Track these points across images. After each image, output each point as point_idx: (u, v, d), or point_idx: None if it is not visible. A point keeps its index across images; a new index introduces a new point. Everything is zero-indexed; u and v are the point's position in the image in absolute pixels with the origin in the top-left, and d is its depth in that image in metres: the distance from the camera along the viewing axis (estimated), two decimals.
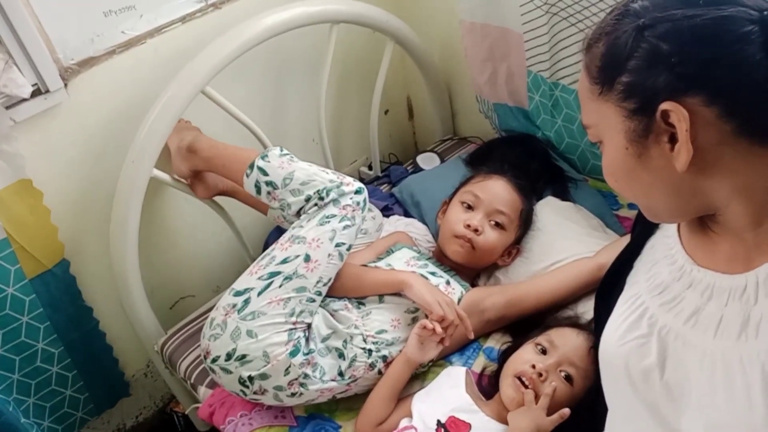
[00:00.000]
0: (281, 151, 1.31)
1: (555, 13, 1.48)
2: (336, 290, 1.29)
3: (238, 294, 1.18)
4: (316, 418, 1.22)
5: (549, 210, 1.45)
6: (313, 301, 1.20)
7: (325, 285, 1.22)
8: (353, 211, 1.25)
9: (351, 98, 1.90)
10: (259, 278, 1.19)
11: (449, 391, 1.13)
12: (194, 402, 1.51)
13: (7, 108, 1.21)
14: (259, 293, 1.17)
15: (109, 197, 1.36)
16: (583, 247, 1.33)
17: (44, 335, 1.43)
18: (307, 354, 1.16)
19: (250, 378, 1.15)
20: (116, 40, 1.34)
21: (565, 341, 1.08)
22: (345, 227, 1.23)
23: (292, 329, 1.16)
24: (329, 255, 1.21)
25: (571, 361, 1.05)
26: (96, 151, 1.39)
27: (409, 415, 1.11)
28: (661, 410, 0.72)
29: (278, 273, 1.18)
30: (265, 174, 1.27)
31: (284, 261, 1.19)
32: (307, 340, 1.18)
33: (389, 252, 1.38)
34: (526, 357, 1.08)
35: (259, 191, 1.29)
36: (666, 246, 0.78)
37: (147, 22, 1.37)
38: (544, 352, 1.08)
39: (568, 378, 1.05)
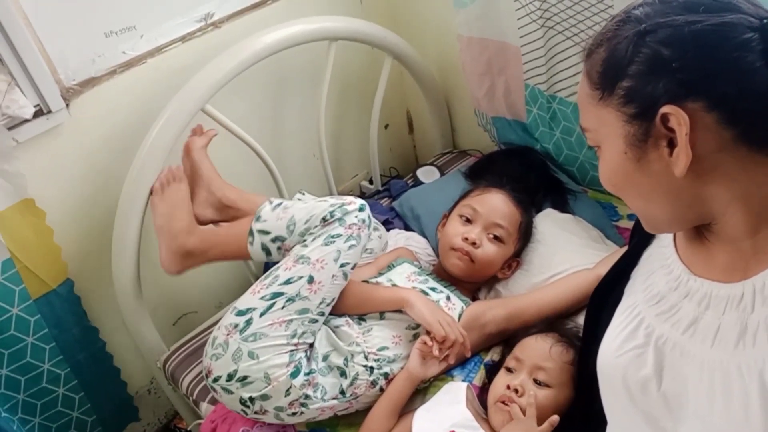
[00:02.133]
0: (271, 203, 1.29)
1: (551, 26, 1.49)
2: (337, 307, 1.29)
3: (240, 314, 1.18)
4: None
5: (548, 222, 1.45)
6: (316, 321, 1.19)
7: (328, 305, 1.21)
8: (359, 229, 1.23)
9: (351, 113, 1.91)
10: (261, 298, 1.18)
11: (450, 407, 1.12)
12: (197, 418, 1.50)
13: (10, 129, 1.22)
14: (261, 314, 1.16)
15: (111, 216, 1.38)
16: (583, 258, 1.32)
17: (50, 356, 1.44)
18: (308, 374, 1.16)
19: (251, 399, 1.15)
20: (117, 60, 1.36)
21: (527, 351, 1.11)
22: (350, 247, 1.21)
23: (293, 350, 1.16)
24: (333, 276, 1.19)
25: (539, 366, 1.08)
26: (98, 169, 1.40)
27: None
28: (659, 421, 0.72)
29: (281, 294, 1.17)
30: (267, 233, 1.25)
31: (287, 281, 1.18)
32: (309, 359, 1.18)
33: (390, 267, 1.38)
34: (499, 382, 1.11)
35: (269, 253, 1.26)
36: (662, 256, 0.78)
37: (147, 41, 1.39)
38: (513, 371, 1.11)
39: (543, 383, 1.07)
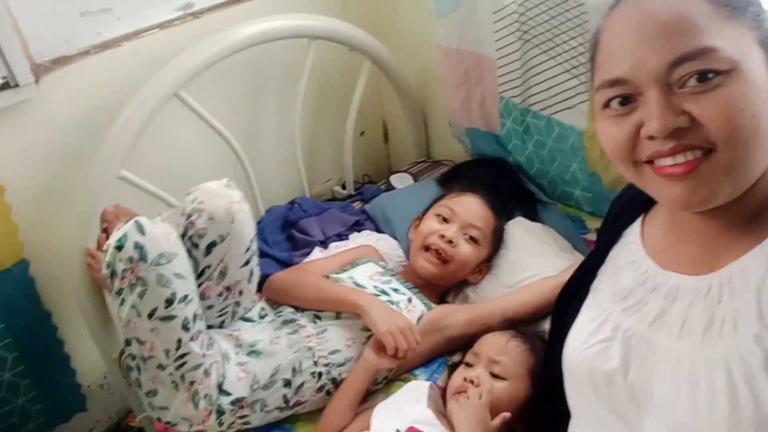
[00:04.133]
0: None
1: (528, 39, 1.52)
2: (295, 299, 1.29)
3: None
4: (276, 428, 1.20)
5: (519, 229, 1.46)
6: (183, 364, 1.10)
7: (178, 348, 1.10)
8: (132, 273, 1.06)
9: (327, 116, 1.91)
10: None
11: (411, 404, 1.11)
12: None
13: None
14: (136, 379, 1.14)
15: (73, 198, 1.34)
16: (551, 266, 1.33)
17: None
18: (236, 402, 1.14)
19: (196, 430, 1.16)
20: (92, 41, 1.34)
21: (485, 346, 1.13)
22: (141, 294, 1.06)
23: (194, 395, 1.12)
24: (151, 330, 1.08)
25: (494, 360, 1.09)
26: (64, 150, 1.37)
27: (369, 427, 1.09)
28: (624, 415, 0.72)
29: (133, 357, 1.13)
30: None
31: (131, 350, 1.13)
32: (226, 393, 1.14)
33: (354, 264, 1.37)
34: (457, 376, 1.12)
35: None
36: (629, 252, 0.79)
37: (124, 25, 1.38)
38: (471, 365, 1.12)
39: (498, 376, 1.08)
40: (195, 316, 1.12)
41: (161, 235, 1.09)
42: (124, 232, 1.06)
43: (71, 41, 1.31)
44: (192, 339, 1.11)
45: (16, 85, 1.24)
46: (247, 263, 1.21)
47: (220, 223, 1.14)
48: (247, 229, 1.19)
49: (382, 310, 1.20)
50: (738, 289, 0.64)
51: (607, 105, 0.66)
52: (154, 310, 1.07)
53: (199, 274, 1.17)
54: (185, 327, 1.10)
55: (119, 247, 1.06)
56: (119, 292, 1.09)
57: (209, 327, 1.24)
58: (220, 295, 1.21)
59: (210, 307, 1.22)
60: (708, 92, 0.59)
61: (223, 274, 1.19)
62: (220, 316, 1.24)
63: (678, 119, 0.60)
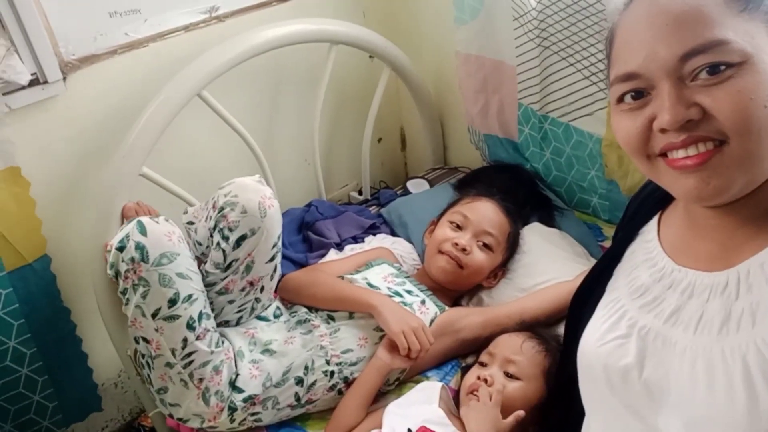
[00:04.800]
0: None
1: (547, 46, 1.53)
2: (309, 299, 1.29)
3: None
4: (287, 426, 1.20)
5: (535, 234, 1.46)
6: (192, 362, 1.12)
7: (184, 346, 1.11)
8: (134, 273, 1.08)
9: (345, 122, 1.93)
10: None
11: (423, 405, 1.11)
12: None
13: (4, 94, 1.22)
14: (152, 368, 1.15)
15: (96, 195, 1.36)
16: (567, 271, 1.32)
17: (17, 333, 1.40)
18: (249, 399, 1.15)
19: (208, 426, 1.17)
20: (119, 41, 1.37)
21: (500, 346, 1.13)
22: (144, 294, 1.08)
23: (204, 392, 1.14)
24: (156, 329, 1.10)
25: (509, 359, 1.09)
26: (88, 147, 1.39)
27: (380, 427, 1.09)
28: (640, 410, 0.71)
29: (143, 356, 1.16)
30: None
31: (140, 348, 1.15)
32: (239, 390, 1.16)
33: (369, 265, 1.38)
34: (471, 375, 1.12)
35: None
36: (646, 250, 0.78)
37: (150, 26, 1.41)
38: (485, 365, 1.12)
39: (513, 376, 1.08)
40: (201, 315, 1.13)
41: (163, 235, 1.10)
42: (126, 232, 1.08)
43: (99, 40, 1.34)
44: (198, 338, 1.12)
45: (45, 82, 1.27)
46: (272, 259, 1.23)
47: (252, 216, 1.15)
48: (277, 225, 1.20)
49: (394, 311, 1.20)
50: (756, 283, 0.63)
51: (621, 99, 0.67)
52: (158, 310, 1.09)
53: (226, 267, 1.18)
54: (190, 326, 1.11)
55: (121, 248, 1.08)
56: (124, 292, 1.11)
57: (226, 323, 1.25)
58: (242, 290, 1.22)
59: (231, 301, 1.23)
60: (719, 84, 0.60)
61: (249, 269, 1.20)
62: (239, 311, 1.25)
63: (689, 111, 0.61)
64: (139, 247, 1.07)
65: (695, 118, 0.61)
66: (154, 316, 1.09)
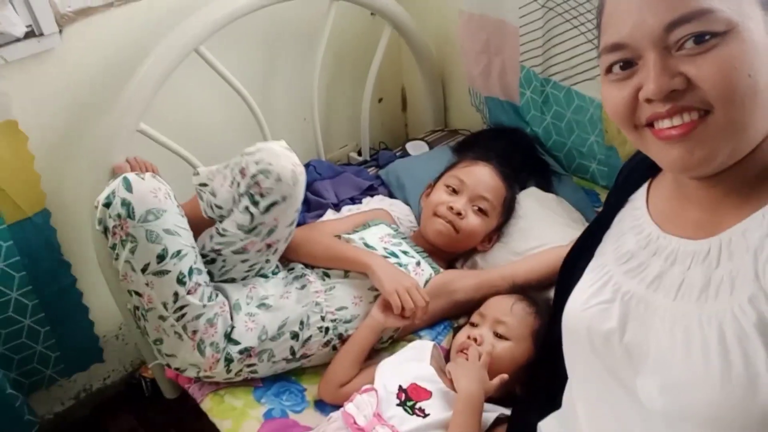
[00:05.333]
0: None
1: (551, 8, 1.50)
2: (305, 256, 1.31)
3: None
4: (282, 380, 1.23)
5: (531, 199, 1.46)
6: (184, 315, 1.14)
7: (176, 300, 1.13)
8: (122, 230, 1.09)
9: (345, 81, 1.91)
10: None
11: (414, 363, 1.13)
12: None
13: None
14: (146, 320, 1.17)
15: (94, 149, 1.36)
16: (562, 236, 1.33)
17: (19, 284, 1.41)
18: (245, 351, 1.17)
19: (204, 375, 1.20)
20: None
21: (491, 307, 1.16)
22: (132, 250, 1.09)
23: (199, 343, 1.16)
24: (146, 283, 1.11)
25: (499, 320, 1.12)
26: (85, 100, 1.39)
27: (372, 382, 1.11)
28: (620, 373, 0.73)
29: (137, 308, 1.17)
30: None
31: (134, 301, 1.17)
32: (234, 342, 1.18)
33: (366, 226, 1.39)
34: (462, 335, 1.15)
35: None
36: (633, 217, 0.79)
37: None
38: (476, 325, 1.15)
39: (502, 336, 1.11)
40: (192, 270, 1.14)
41: (149, 192, 1.10)
42: (112, 189, 1.09)
43: None
44: (189, 293, 1.13)
45: (41, 34, 1.25)
46: (292, 223, 1.24)
47: (286, 184, 1.15)
48: (303, 191, 1.21)
49: (388, 271, 1.22)
50: (737, 251, 0.64)
51: (609, 70, 0.67)
52: (147, 265, 1.10)
53: (250, 230, 1.19)
54: (180, 281, 1.12)
55: (107, 204, 1.09)
56: (113, 247, 1.12)
57: (232, 280, 1.27)
58: (259, 251, 1.23)
59: (244, 261, 1.24)
60: (704, 53, 0.60)
61: (271, 232, 1.21)
62: (248, 270, 1.26)
63: (673, 81, 0.61)
64: (125, 204, 1.08)
65: (680, 88, 0.60)
66: (143, 271, 1.10)
